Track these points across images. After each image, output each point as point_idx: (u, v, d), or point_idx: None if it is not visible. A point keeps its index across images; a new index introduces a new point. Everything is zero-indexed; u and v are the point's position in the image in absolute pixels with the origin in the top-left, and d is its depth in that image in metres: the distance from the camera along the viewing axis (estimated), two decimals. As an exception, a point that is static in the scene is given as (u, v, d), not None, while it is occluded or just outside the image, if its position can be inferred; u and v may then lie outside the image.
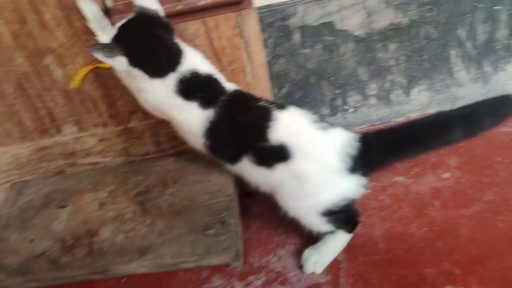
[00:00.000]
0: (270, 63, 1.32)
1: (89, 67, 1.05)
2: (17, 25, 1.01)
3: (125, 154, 1.24)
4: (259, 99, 0.96)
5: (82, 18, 1.01)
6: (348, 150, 0.88)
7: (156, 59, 0.89)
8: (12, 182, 1.26)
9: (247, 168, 0.95)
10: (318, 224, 0.96)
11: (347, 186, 0.90)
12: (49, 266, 1.00)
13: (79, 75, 1.04)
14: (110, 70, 1.01)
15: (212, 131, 0.93)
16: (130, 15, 0.91)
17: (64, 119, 1.17)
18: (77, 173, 1.22)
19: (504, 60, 1.45)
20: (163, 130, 1.19)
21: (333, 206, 0.91)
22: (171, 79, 0.90)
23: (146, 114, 1.16)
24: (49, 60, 1.07)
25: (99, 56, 0.84)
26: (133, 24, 0.89)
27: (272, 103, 0.96)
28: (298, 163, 0.89)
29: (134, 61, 0.87)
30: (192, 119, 0.94)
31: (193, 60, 0.93)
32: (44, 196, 1.17)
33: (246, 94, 0.99)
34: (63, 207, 1.13)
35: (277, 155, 0.90)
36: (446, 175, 1.21)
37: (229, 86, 0.97)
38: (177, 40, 0.94)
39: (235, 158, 0.96)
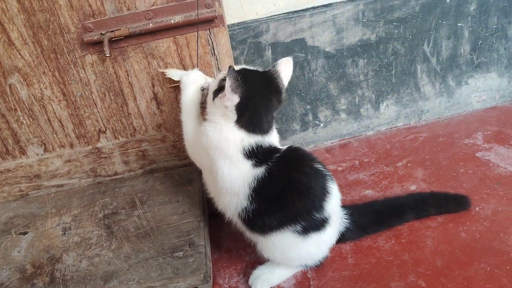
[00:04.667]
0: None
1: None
2: (-20, 44, 0.99)
3: (93, 175, 1.21)
4: (313, 159, 0.94)
5: (50, 37, 0.99)
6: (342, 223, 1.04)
7: (259, 122, 0.88)
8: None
9: (284, 239, 0.91)
10: (298, 267, 1.02)
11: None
12: (7, 299, 0.96)
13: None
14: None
15: (260, 192, 0.88)
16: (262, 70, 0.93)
17: (29, 140, 1.14)
18: (41, 197, 1.19)
19: (467, 75, 1.50)
20: (132, 149, 1.17)
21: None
22: (252, 139, 0.88)
23: (115, 133, 1.15)
24: (14, 79, 1.04)
25: (228, 83, 0.81)
26: (259, 79, 0.90)
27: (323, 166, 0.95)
28: (327, 234, 0.94)
29: (241, 109, 0.86)
30: (240, 176, 0.88)
31: (273, 137, 0.94)
32: (4, 223, 1.13)
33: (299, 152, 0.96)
34: (24, 233, 1.09)
35: (320, 225, 0.92)
36: (413, 187, 1.24)
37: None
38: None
39: (273, 228, 0.90)
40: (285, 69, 0.92)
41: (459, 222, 1.09)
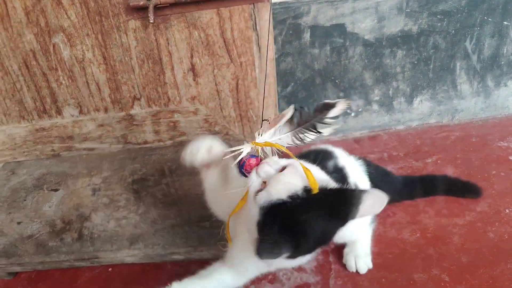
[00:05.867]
0: (278, 61, 1.32)
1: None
2: (31, 1, 1.00)
3: (123, 141, 1.23)
4: None
5: (98, -1, 1.00)
6: None
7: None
8: (5, 162, 1.25)
9: None
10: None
11: None
12: (36, 250, 0.98)
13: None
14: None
15: None
16: None
17: (66, 101, 1.16)
18: (72, 157, 1.21)
19: (507, 76, 1.45)
20: (165, 119, 1.19)
21: None
22: None
23: (149, 102, 1.16)
24: (58, 38, 1.06)
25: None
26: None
27: None
28: None
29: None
30: None
31: None
32: (37, 178, 1.16)
33: None
34: (55, 190, 1.12)
35: None
36: (442, 184, 1.21)
37: None
38: None
39: None
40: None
41: (487, 222, 1.07)
